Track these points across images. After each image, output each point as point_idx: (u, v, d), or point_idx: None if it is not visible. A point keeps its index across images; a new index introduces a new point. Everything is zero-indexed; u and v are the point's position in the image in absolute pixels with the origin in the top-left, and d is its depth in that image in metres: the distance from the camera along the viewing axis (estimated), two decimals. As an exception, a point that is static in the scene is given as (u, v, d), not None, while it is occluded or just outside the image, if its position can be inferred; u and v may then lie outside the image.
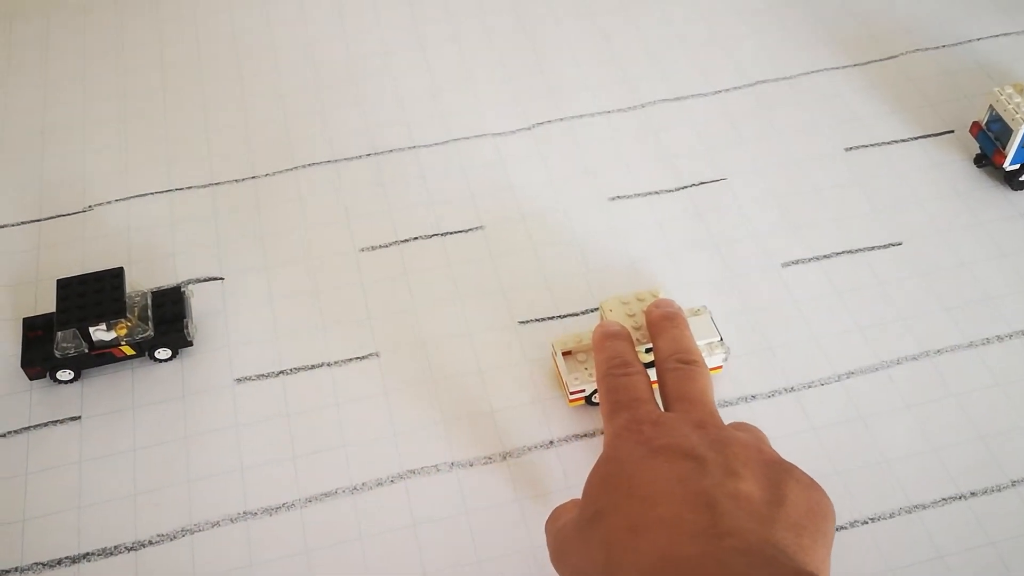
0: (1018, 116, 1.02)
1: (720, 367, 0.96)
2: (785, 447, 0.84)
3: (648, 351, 0.91)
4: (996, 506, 0.89)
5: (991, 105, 1.07)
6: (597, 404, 0.94)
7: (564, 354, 0.96)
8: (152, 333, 0.94)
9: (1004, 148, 1.05)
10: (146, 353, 0.95)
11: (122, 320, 0.92)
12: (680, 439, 0.62)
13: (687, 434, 0.63)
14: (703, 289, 1.03)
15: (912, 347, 0.99)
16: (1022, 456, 0.91)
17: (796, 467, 0.63)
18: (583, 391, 0.93)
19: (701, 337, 0.94)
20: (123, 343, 0.93)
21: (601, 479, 0.64)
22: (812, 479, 0.62)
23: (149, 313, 0.95)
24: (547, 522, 0.77)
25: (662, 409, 0.74)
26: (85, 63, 1.30)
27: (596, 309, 1.03)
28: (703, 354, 0.91)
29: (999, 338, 0.99)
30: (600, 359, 0.83)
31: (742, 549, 0.52)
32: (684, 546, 0.54)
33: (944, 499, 0.89)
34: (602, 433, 0.84)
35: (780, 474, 0.61)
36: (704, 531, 0.54)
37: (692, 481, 0.58)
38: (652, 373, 0.89)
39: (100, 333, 0.92)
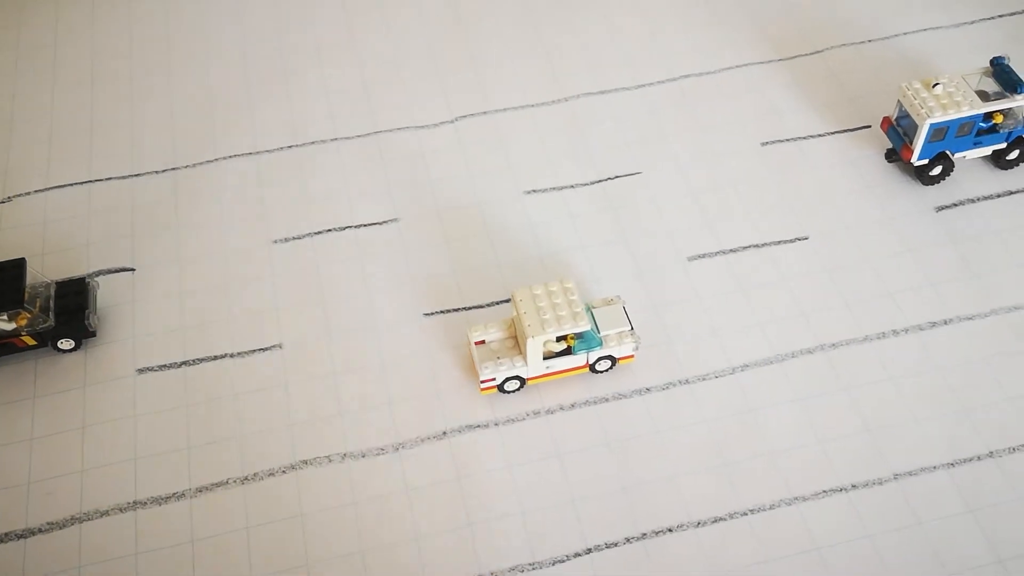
0: (923, 111, 1.02)
1: (632, 356, 0.97)
2: (676, 439, 0.86)
3: (559, 339, 0.94)
4: (876, 499, 0.90)
5: (899, 100, 1.07)
6: (510, 392, 0.96)
7: (477, 343, 0.97)
8: (53, 324, 0.95)
9: (912, 143, 1.05)
10: (49, 343, 0.96)
11: (22, 310, 0.93)
12: None
13: None
14: (611, 283, 1.05)
15: (808, 341, 1.00)
16: (907, 450, 0.92)
17: None
18: (494, 379, 0.95)
19: (613, 326, 0.95)
20: (24, 333, 0.94)
21: None
22: None
23: (51, 304, 0.96)
24: None
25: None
26: (17, 56, 1.31)
27: (505, 301, 1.04)
28: (613, 343, 0.92)
29: (895, 332, 1.00)
30: None
31: None
32: None
33: (825, 491, 0.90)
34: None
35: None
36: None
37: None
38: (569, 361, 0.94)
39: (0, 323, 0.93)
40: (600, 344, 0.96)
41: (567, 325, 0.91)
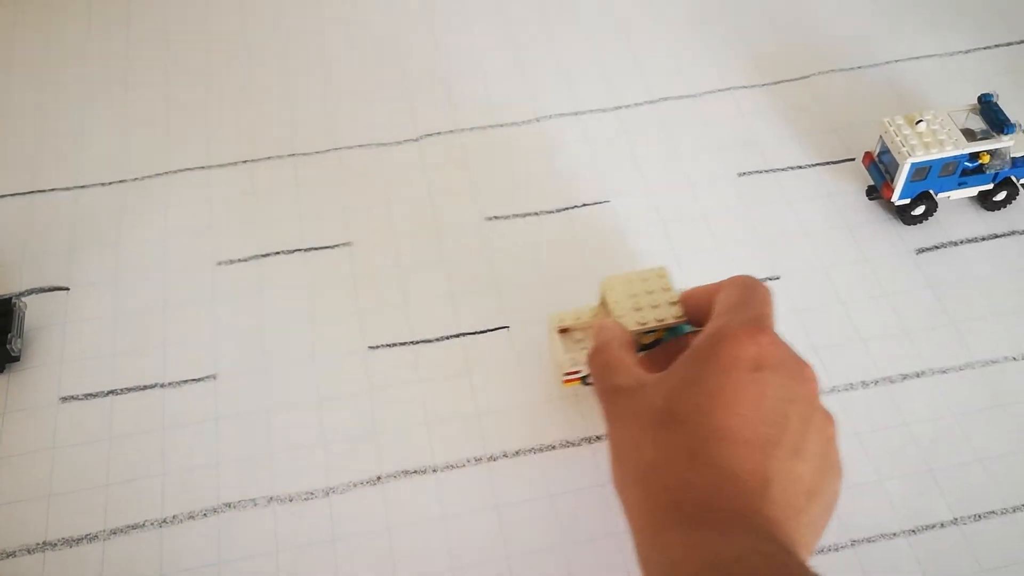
0: (904, 149, 0.97)
1: None
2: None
3: (648, 333, 0.86)
4: (831, 568, 0.84)
5: (881, 136, 1.01)
6: (591, 384, 0.87)
7: (561, 331, 0.90)
8: (-29, 348, 0.90)
9: (893, 181, 0.99)
10: (-32, 367, 0.91)
11: (-62, 334, 0.88)
12: (782, 378, 0.63)
13: (791, 376, 0.64)
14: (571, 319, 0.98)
15: (772, 390, 0.93)
16: (867, 513, 0.87)
17: (838, 452, 0.66)
18: (578, 372, 0.88)
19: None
20: (-60, 357, 0.89)
21: (690, 379, 0.65)
22: (841, 466, 0.67)
23: (-29, 327, 0.91)
24: (593, 362, 0.76)
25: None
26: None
27: (454, 336, 0.99)
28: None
29: (864, 384, 0.94)
30: (733, 279, 0.79)
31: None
32: (725, 502, 0.58)
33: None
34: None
35: (830, 461, 0.65)
36: (748, 505, 0.58)
37: (766, 444, 0.60)
38: None
39: (-84, 346, 0.88)
40: None
41: (665, 315, 0.84)
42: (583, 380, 0.90)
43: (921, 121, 1.00)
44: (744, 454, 0.59)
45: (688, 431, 0.61)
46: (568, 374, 0.90)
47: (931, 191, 1.03)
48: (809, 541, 0.61)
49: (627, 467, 0.65)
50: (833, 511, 0.65)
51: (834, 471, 0.64)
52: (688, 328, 0.87)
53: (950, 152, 0.99)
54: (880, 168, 1.05)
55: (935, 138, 1.00)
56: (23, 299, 0.97)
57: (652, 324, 0.86)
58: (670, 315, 0.85)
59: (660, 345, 0.87)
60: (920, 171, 1.00)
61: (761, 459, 0.59)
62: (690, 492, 0.59)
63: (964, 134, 1.01)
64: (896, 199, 1.03)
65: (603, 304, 0.91)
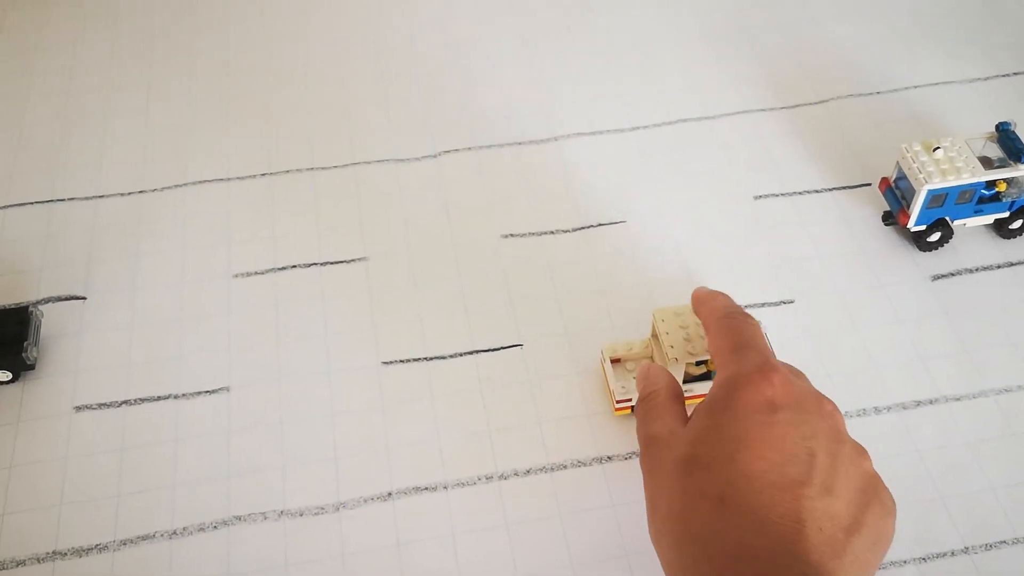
0: (921, 176, 0.97)
1: None
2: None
3: (699, 364, 0.88)
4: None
5: (898, 162, 1.01)
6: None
7: (613, 361, 0.92)
8: (-12, 355, 0.91)
9: (909, 207, 0.99)
10: (-16, 375, 0.92)
11: (-45, 341, 0.89)
12: (803, 415, 0.63)
13: (810, 412, 0.63)
14: (588, 335, 0.99)
15: (784, 415, 0.93)
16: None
17: (883, 484, 0.65)
18: (629, 400, 0.90)
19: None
20: (-44, 364, 0.90)
21: (713, 427, 0.64)
22: (892, 499, 0.65)
23: (-12, 334, 0.92)
24: (639, 409, 0.76)
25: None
26: (-9, 63, 1.27)
27: (465, 353, 0.99)
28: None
29: (876, 410, 0.94)
30: (713, 306, 0.81)
31: None
32: (758, 551, 0.56)
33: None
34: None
35: (870, 496, 0.62)
36: (783, 550, 0.56)
37: (794, 484, 0.59)
38: (706, 386, 0.88)
39: (-68, 353, 0.89)
40: None
41: None
42: (634, 409, 0.91)
43: (939, 148, 1.00)
44: (773, 497, 0.58)
45: (714, 477, 0.61)
46: (620, 402, 0.91)
47: (947, 218, 1.03)
48: None
49: (659, 517, 0.64)
50: (886, 546, 0.63)
51: (877, 504, 0.62)
52: None
53: (967, 180, 0.99)
54: (896, 194, 1.05)
55: (952, 165, 1.00)
56: (40, 307, 0.98)
57: (702, 355, 0.88)
58: None
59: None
60: (937, 198, 1.00)
61: (791, 500, 0.58)
62: (721, 541, 0.58)
63: (981, 162, 1.01)
64: (912, 225, 1.03)
65: (654, 336, 0.92)
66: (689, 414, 0.73)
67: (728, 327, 0.77)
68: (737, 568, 0.58)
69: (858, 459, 0.64)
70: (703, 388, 0.89)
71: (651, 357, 0.91)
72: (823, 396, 0.68)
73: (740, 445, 0.61)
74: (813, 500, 0.58)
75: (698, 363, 0.86)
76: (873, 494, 0.62)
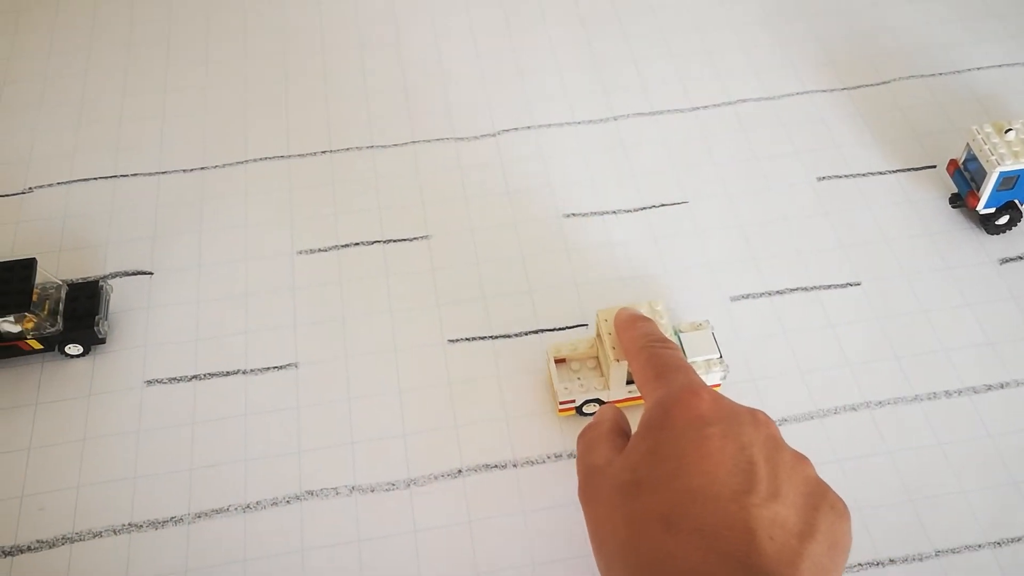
0: (993, 158, 0.96)
1: (719, 384, 0.91)
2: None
3: None
4: (911, 580, 0.83)
5: (968, 143, 1.00)
6: (589, 415, 0.91)
7: (557, 361, 0.91)
8: (60, 328, 0.91)
9: (978, 190, 0.98)
10: (56, 348, 0.92)
11: (28, 313, 0.89)
12: (737, 427, 0.62)
13: (744, 424, 0.62)
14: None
15: (854, 396, 0.94)
16: (950, 524, 0.87)
17: (831, 489, 0.62)
18: (573, 401, 0.89)
19: (701, 353, 0.90)
20: (29, 337, 0.90)
21: (650, 450, 0.62)
22: (843, 503, 0.62)
23: (61, 307, 0.92)
24: (580, 441, 0.73)
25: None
26: (52, 37, 1.27)
27: (532, 332, 0.99)
28: (701, 371, 0.87)
29: (947, 393, 0.93)
30: (633, 335, 0.81)
31: None
32: (712, 568, 0.54)
33: (860, 564, 0.84)
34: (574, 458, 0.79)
35: (818, 500, 0.60)
36: (737, 563, 0.54)
37: (738, 494, 0.57)
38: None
39: (7, 325, 0.90)
40: None
41: None
42: (578, 410, 0.91)
43: (1010, 130, 0.99)
44: (719, 511, 0.56)
45: (657, 499, 0.59)
46: (563, 403, 0.91)
47: (1017, 201, 1.02)
48: None
49: (607, 549, 0.61)
50: (845, 551, 0.60)
51: (827, 508, 0.60)
52: None
53: (1040, 162, 0.98)
54: (965, 176, 1.04)
55: (1024, 148, 0.99)
56: (109, 282, 0.98)
57: None
58: None
59: None
60: (1008, 180, 0.99)
61: (738, 511, 0.56)
62: (674, 564, 0.55)
63: (1053, 144, 1.00)
64: (981, 208, 1.02)
65: (598, 336, 0.91)
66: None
67: (649, 356, 0.76)
68: None
69: (799, 465, 0.62)
70: None
71: (596, 357, 0.91)
72: (755, 408, 0.65)
73: (679, 463, 0.59)
74: (760, 508, 0.57)
75: None
76: (821, 498, 0.60)
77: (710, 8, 1.31)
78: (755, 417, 0.64)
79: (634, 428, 0.71)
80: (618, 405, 0.88)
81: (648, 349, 0.76)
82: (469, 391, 0.93)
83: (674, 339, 0.87)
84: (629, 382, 0.88)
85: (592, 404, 0.90)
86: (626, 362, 0.84)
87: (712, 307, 0.99)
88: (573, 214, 1.08)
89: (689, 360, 0.88)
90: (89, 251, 1.03)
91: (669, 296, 1.00)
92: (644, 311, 0.87)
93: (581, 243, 1.05)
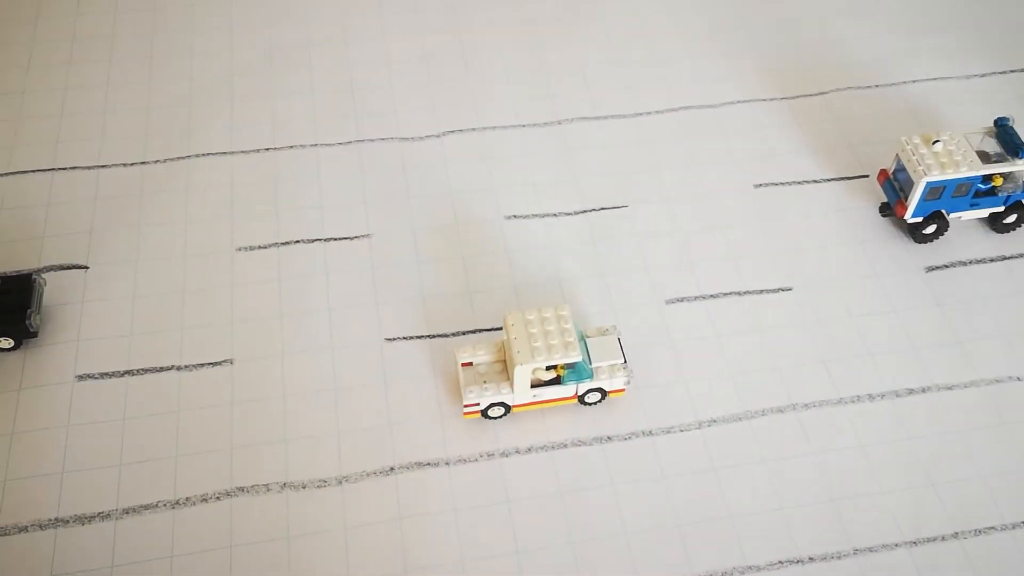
0: (920, 168, 0.98)
1: (623, 390, 0.93)
2: (629, 494, 0.82)
3: (549, 368, 0.90)
4: (833, 574, 0.85)
5: (897, 154, 1.02)
6: (494, 418, 0.93)
7: (463, 365, 0.93)
8: (-9, 322, 0.91)
9: (907, 199, 1.00)
10: (-14, 341, 0.92)
11: (-42, 307, 0.89)
12: None
13: None
14: (584, 320, 1.00)
15: (780, 399, 0.95)
16: (870, 523, 0.89)
17: None
18: (478, 404, 0.91)
19: (605, 358, 0.92)
20: (-40, 330, 0.90)
21: None
22: None
23: (-8, 301, 0.92)
24: None
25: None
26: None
27: (471, 332, 1.00)
28: (605, 376, 0.88)
29: (871, 396, 0.96)
30: None
31: None
32: None
33: (781, 562, 0.87)
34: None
35: None
36: None
37: None
38: (557, 391, 0.90)
39: (-64, 318, 0.89)
40: (591, 376, 0.92)
41: (557, 355, 0.88)
42: (483, 413, 0.93)
43: (938, 141, 1.02)
44: None
45: None
46: (467, 406, 0.92)
47: (943, 211, 1.04)
48: None
49: None
50: None
51: None
52: (587, 369, 0.91)
53: (965, 173, 1.00)
54: (895, 186, 1.07)
55: (951, 159, 1.01)
56: (42, 276, 0.98)
57: (550, 362, 0.89)
58: (568, 354, 0.90)
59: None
60: (935, 190, 1.02)
61: None
62: None
63: (979, 156, 1.02)
64: (909, 217, 1.05)
65: (505, 340, 0.93)
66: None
67: None
68: None
69: None
70: (552, 393, 0.91)
71: (502, 360, 0.92)
72: None
73: None
74: None
75: (548, 367, 0.88)
76: None
77: (656, 16, 1.32)
78: None
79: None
80: (520, 408, 0.89)
81: None
82: (405, 389, 0.93)
83: (580, 344, 0.88)
84: (534, 386, 0.89)
85: (498, 407, 0.92)
86: (530, 366, 0.85)
87: (647, 309, 1.01)
88: (515, 216, 1.09)
89: (594, 365, 0.91)
90: (24, 244, 1.02)
91: (604, 297, 1.02)
92: (549, 316, 0.88)
93: (521, 244, 1.06)
